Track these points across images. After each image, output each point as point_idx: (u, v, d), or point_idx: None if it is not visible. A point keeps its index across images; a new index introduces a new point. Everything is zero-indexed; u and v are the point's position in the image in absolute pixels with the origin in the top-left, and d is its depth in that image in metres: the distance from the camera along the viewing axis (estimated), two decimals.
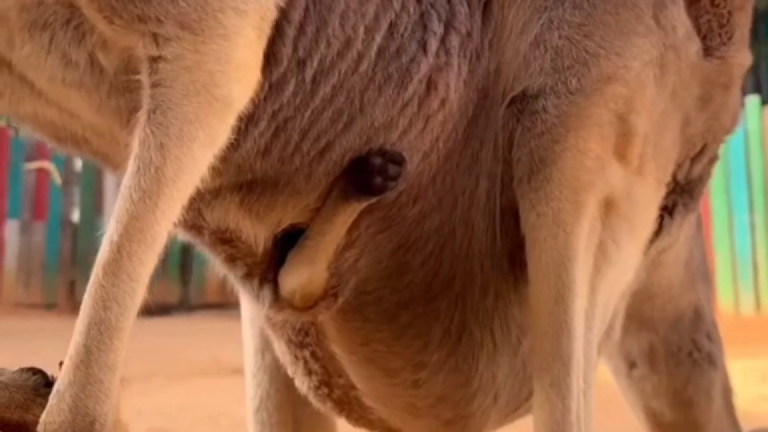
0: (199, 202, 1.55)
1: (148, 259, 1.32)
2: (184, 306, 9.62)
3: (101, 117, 1.49)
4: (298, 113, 1.55)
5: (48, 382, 1.46)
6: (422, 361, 1.78)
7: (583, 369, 1.65)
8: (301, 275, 1.63)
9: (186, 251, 10.10)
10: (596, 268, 1.69)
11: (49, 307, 9.10)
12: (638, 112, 1.68)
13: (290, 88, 1.53)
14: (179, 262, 10.04)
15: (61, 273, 9.43)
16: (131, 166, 1.35)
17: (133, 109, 1.41)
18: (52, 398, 1.31)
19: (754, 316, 8.17)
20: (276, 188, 1.59)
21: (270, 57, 1.49)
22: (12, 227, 9.30)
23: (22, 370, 1.48)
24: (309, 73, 1.54)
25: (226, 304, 9.63)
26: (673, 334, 2.17)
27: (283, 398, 1.97)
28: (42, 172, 9.48)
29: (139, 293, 1.32)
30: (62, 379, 1.31)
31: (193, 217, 1.60)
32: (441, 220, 1.71)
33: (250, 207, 1.61)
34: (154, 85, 1.37)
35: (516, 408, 1.87)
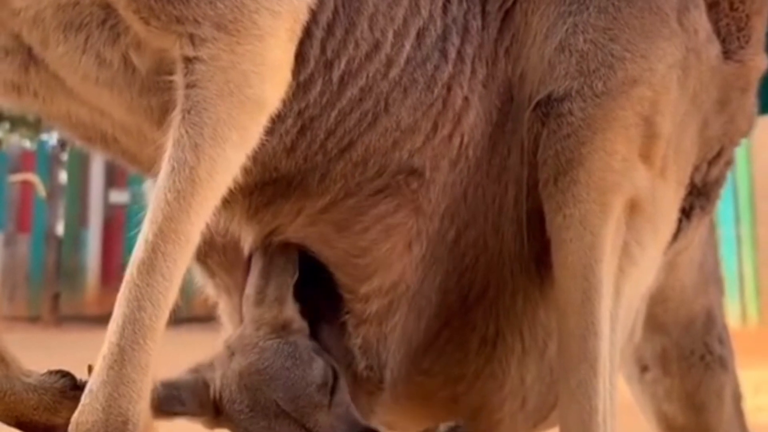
0: None
1: (181, 259, 1.32)
2: (171, 318, 9.55)
3: (132, 116, 1.49)
4: (324, 112, 1.55)
5: (76, 385, 1.46)
6: (460, 373, 1.77)
7: (609, 374, 1.65)
8: None
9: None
10: (620, 269, 1.69)
11: (33, 319, 9.01)
12: (663, 114, 1.69)
13: (317, 88, 1.53)
14: None
15: (45, 286, 9.35)
16: (165, 166, 1.35)
17: (164, 108, 1.42)
18: (85, 398, 1.30)
19: (740, 328, 8.19)
20: (288, 190, 1.58)
21: (298, 57, 1.49)
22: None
23: (50, 373, 1.48)
24: (336, 74, 1.54)
25: (213, 318, 9.60)
26: (685, 337, 2.18)
27: None
28: (26, 185, 9.42)
29: (172, 293, 1.32)
30: (95, 379, 1.30)
31: None
32: (476, 234, 1.70)
33: (258, 210, 1.60)
34: (189, 86, 1.37)
35: (543, 417, 1.86)
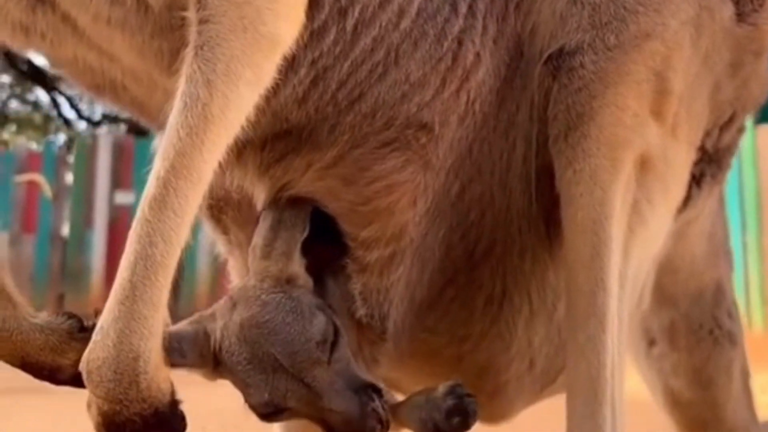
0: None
1: (193, 197, 1.31)
2: (173, 318, 9.52)
3: (142, 60, 1.48)
4: (337, 63, 1.53)
5: (83, 327, 1.44)
6: (466, 333, 1.76)
7: (617, 330, 1.64)
8: None
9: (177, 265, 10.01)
10: (630, 228, 1.68)
11: None
12: (675, 71, 1.68)
13: (331, 36, 1.52)
14: None
15: (50, 286, 9.32)
16: (177, 103, 1.33)
17: (175, 54, 1.40)
18: (96, 335, 1.29)
19: (746, 333, 8.15)
20: (298, 144, 1.56)
21: (312, 2, 1.48)
22: (1, 240, 9.19)
23: (58, 314, 1.46)
24: (350, 23, 1.53)
25: None
26: (694, 310, 2.16)
27: None
28: (32, 185, 9.39)
29: (184, 231, 1.30)
30: (106, 316, 1.28)
31: None
32: (481, 189, 1.69)
33: (270, 166, 1.58)
34: (202, 21, 1.35)
35: (550, 380, 1.85)
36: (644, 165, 1.68)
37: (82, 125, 14.41)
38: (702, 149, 1.87)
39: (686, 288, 2.15)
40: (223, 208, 1.67)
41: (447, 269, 1.70)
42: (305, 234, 1.54)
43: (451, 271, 1.70)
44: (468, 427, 1.50)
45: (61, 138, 13.60)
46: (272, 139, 1.56)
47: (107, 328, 1.27)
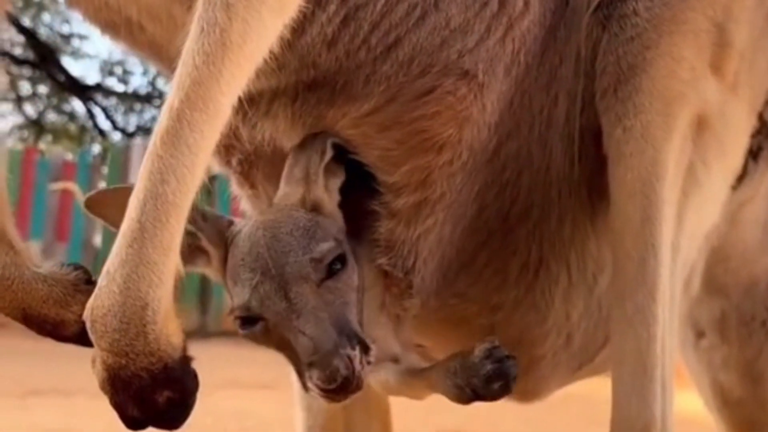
0: (250, 111, 1.42)
1: (209, 131, 1.18)
2: (202, 332, 9.46)
3: None
4: (370, 1, 1.42)
5: (89, 280, 1.33)
6: (499, 301, 1.64)
7: (669, 302, 1.51)
8: None
9: (205, 278, 9.99)
10: (684, 192, 1.55)
11: None
12: (737, 23, 1.55)
13: None
14: (198, 290, 9.94)
15: None
16: (194, 27, 1.21)
17: None
18: (101, 280, 1.16)
19: None
20: (332, 96, 1.45)
21: None
22: (34, 248, 9.21)
23: (63, 264, 1.36)
24: None
25: None
26: (746, 301, 2.03)
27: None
28: (66, 194, 9.42)
29: (199, 169, 1.18)
30: (113, 259, 1.16)
31: (229, 137, 1.46)
32: (519, 144, 1.57)
33: (302, 116, 1.47)
34: None
35: (589, 358, 1.72)
36: (701, 125, 1.56)
37: (116, 136, 14.49)
38: (761, 119, 1.74)
39: (738, 277, 2.02)
40: (254, 162, 1.55)
41: (480, 230, 1.58)
42: (327, 159, 1.45)
43: (485, 233, 1.58)
44: (510, 392, 1.37)
45: (96, 148, 13.67)
46: (304, 90, 1.45)
47: (113, 273, 1.15)
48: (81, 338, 1.25)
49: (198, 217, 1.37)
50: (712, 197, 1.63)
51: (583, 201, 1.62)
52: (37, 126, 14.68)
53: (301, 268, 1.31)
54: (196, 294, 9.91)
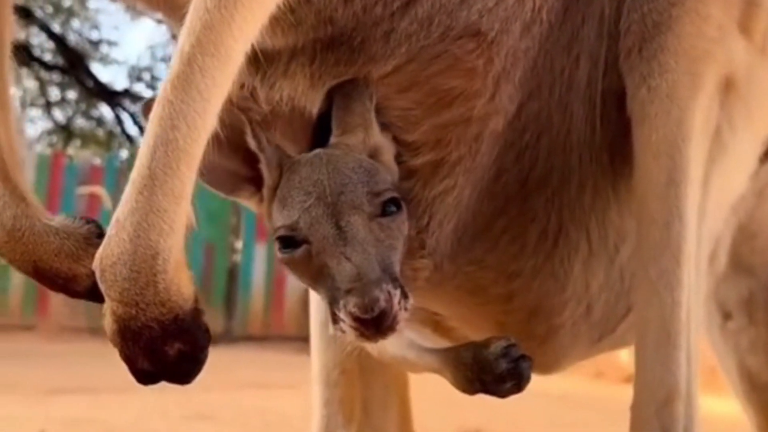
0: (269, 71, 1.41)
1: (221, 78, 1.15)
2: (228, 337, 9.48)
3: None
4: None
5: (102, 233, 1.28)
6: (516, 269, 1.60)
7: (694, 267, 1.47)
8: None
9: (231, 282, 10.05)
10: (710, 156, 1.51)
11: (93, 331, 9.00)
12: None
13: None
14: (224, 294, 9.97)
15: None
16: None
17: None
18: (111, 228, 1.13)
19: None
20: (351, 53, 1.42)
21: None
22: None
23: (75, 218, 1.33)
24: None
25: (268, 337, 9.57)
26: None
27: (351, 367, 1.82)
28: (94, 197, 9.48)
29: (210, 115, 1.15)
30: (122, 207, 1.12)
31: (245, 98, 1.44)
32: (539, 107, 1.52)
33: (321, 77, 1.43)
34: None
35: (609, 329, 1.68)
36: (728, 86, 1.51)
37: None
38: None
39: (765, 257, 1.97)
40: (270, 122, 1.50)
41: (498, 195, 1.54)
42: (374, 102, 1.42)
43: (502, 198, 1.54)
44: (520, 391, 1.36)
45: (124, 153, 13.74)
46: (322, 50, 1.42)
47: (123, 221, 1.11)
48: (93, 294, 1.21)
49: (261, 139, 1.35)
50: (739, 163, 1.58)
51: (604, 167, 1.58)
52: (65, 131, 14.78)
53: (356, 198, 1.27)
54: (222, 298, 9.94)
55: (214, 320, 9.40)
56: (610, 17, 1.52)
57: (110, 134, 14.92)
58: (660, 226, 1.44)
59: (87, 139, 14.90)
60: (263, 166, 1.37)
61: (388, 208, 1.29)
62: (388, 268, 1.24)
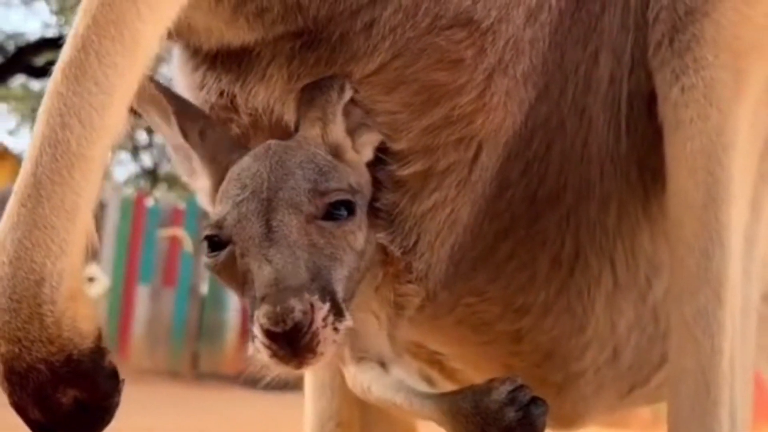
0: (248, 76, 1.27)
1: (125, 66, 1.00)
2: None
3: None
4: None
5: None
6: (525, 303, 1.39)
7: (740, 305, 1.21)
8: None
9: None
10: (760, 173, 1.29)
11: (173, 375, 9.04)
12: None
13: None
14: None
15: (186, 342, 9.38)
16: None
17: None
18: None
19: None
20: (332, 51, 1.25)
21: None
22: (142, 292, 9.36)
23: None
24: None
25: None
26: None
27: (349, 419, 1.60)
28: (174, 240, 9.57)
29: (113, 113, 1.00)
30: (4, 222, 0.98)
31: (226, 108, 1.30)
32: (548, 110, 1.33)
33: (299, 78, 1.27)
34: None
35: (643, 379, 1.46)
36: None
37: None
38: None
39: None
40: (252, 136, 1.36)
41: (501, 215, 1.34)
42: (345, 98, 1.26)
43: (507, 218, 1.34)
44: None
45: None
46: (301, 49, 1.26)
47: (2, 240, 0.97)
48: None
49: (188, 130, 1.22)
50: None
51: (632, 183, 1.37)
52: (152, 175, 15.03)
53: (294, 196, 1.12)
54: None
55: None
56: (637, 4, 1.33)
57: None
58: (696, 255, 1.23)
59: (172, 182, 15.12)
60: (195, 163, 1.24)
61: (335, 211, 1.14)
62: (321, 279, 1.07)
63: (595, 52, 1.34)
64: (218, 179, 1.21)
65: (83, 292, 1.00)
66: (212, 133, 1.25)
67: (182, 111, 1.25)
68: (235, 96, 1.29)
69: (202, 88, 1.29)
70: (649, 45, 1.30)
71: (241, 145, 1.25)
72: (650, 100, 1.32)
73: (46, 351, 0.96)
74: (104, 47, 0.98)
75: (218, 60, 1.27)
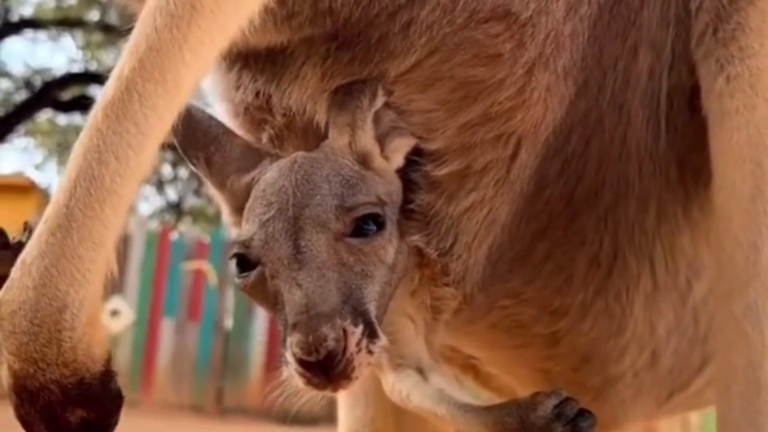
0: (283, 76, 1.26)
1: (165, 109, 1.01)
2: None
3: None
4: None
5: (7, 243, 1.16)
6: (562, 305, 1.37)
7: None
8: None
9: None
10: None
11: (197, 409, 9.00)
12: None
13: None
14: None
15: (211, 377, 9.34)
16: None
17: None
18: (15, 271, 1.01)
19: None
20: (368, 53, 1.23)
21: None
22: (167, 326, 9.35)
23: None
24: None
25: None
26: None
27: (384, 428, 1.59)
28: (199, 274, 9.56)
29: (147, 153, 1.02)
30: (31, 248, 1.01)
31: (261, 108, 1.31)
32: (586, 106, 1.30)
33: (332, 76, 1.25)
34: None
35: (683, 383, 1.42)
36: None
37: None
38: None
39: None
40: (285, 137, 1.36)
41: (538, 215, 1.32)
42: (376, 105, 1.24)
43: (544, 218, 1.33)
44: None
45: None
46: (337, 49, 1.25)
47: (30, 264, 1.00)
48: None
49: (191, 154, 1.22)
50: None
51: (672, 182, 1.34)
52: (176, 209, 15.14)
53: (321, 213, 1.10)
54: None
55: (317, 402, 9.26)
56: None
57: (219, 211, 15.27)
58: (745, 249, 1.20)
59: (197, 216, 15.22)
60: (210, 185, 1.24)
61: (363, 226, 1.12)
62: (352, 299, 1.05)
63: (635, 47, 1.31)
64: (234, 204, 1.21)
65: (99, 318, 1.02)
66: (219, 158, 1.24)
67: (187, 142, 1.25)
68: (270, 96, 1.28)
69: (238, 88, 1.29)
70: (692, 36, 1.27)
71: (253, 150, 1.24)
72: (691, 96, 1.30)
73: (60, 373, 0.99)
74: (147, 90, 1.00)
75: (252, 59, 1.27)
